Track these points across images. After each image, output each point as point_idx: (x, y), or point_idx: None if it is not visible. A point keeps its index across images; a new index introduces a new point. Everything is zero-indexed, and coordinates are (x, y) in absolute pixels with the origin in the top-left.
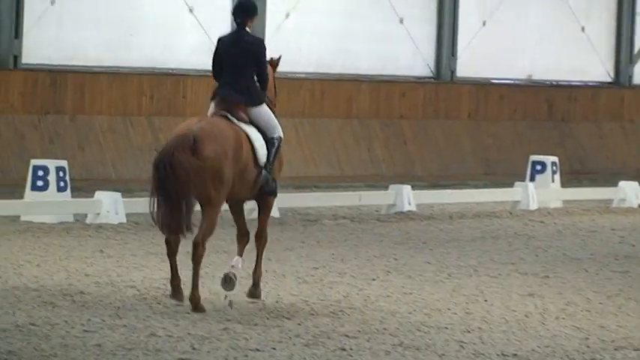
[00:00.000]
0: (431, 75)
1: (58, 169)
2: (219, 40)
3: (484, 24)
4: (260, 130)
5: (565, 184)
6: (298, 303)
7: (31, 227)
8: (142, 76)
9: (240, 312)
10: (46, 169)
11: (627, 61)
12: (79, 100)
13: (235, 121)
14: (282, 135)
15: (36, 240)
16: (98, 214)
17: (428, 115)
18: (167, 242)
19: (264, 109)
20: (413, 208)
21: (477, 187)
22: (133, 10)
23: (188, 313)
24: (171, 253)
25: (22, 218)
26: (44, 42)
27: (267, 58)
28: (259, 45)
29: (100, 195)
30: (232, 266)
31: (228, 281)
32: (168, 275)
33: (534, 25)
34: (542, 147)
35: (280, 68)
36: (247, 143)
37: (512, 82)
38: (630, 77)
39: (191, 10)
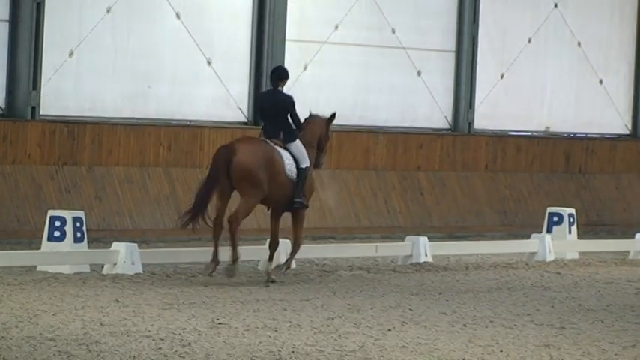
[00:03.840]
0: (448, 127)
1: (75, 219)
2: (259, 95)
3: (502, 76)
4: (294, 159)
5: (582, 235)
6: (314, 353)
7: (48, 277)
8: (160, 128)
9: None
10: (63, 220)
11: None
12: (97, 151)
13: (271, 144)
14: (309, 165)
15: (52, 290)
16: (115, 264)
17: (445, 166)
18: (214, 222)
19: (296, 143)
20: (429, 259)
21: (493, 238)
22: (151, 62)
23: None
24: (216, 235)
25: (39, 268)
26: (62, 93)
27: (323, 113)
28: (289, 100)
29: (116, 245)
30: (267, 271)
31: (269, 278)
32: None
33: (552, 77)
34: (559, 199)
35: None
36: (278, 157)
37: (529, 134)
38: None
39: (209, 62)
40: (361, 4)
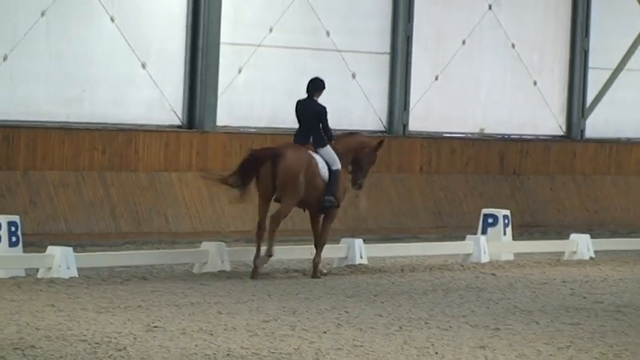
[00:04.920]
0: (383, 129)
1: (10, 224)
2: (297, 102)
3: (436, 78)
4: (324, 159)
5: (517, 236)
6: (249, 356)
7: None
8: (94, 132)
9: None
10: None
11: (579, 115)
12: (31, 155)
13: (305, 149)
14: (339, 168)
15: None
16: (50, 268)
17: (380, 168)
18: (258, 224)
19: (327, 148)
20: (364, 261)
21: (428, 240)
22: (86, 66)
23: None
24: (259, 235)
25: None
26: None
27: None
28: (322, 110)
29: (51, 250)
30: (318, 265)
31: (320, 273)
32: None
33: (486, 78)
34: (494, 200)
35: (232, 122)
36: (314, 161)
37: (464, 135)
38: (582, 131)
39: (144, 66)
40: (295, 6)
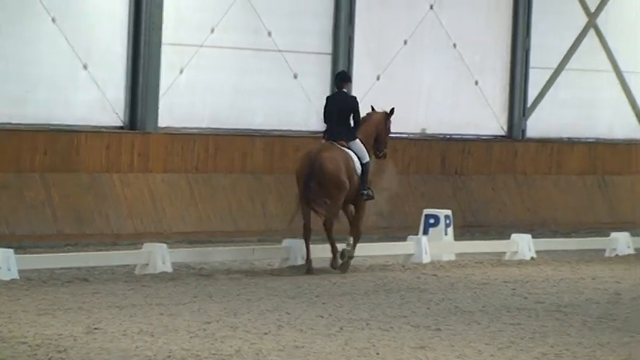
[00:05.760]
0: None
1: None
2: (327, 98)
3: (378, 78)
4: (356, 154)
5: (458, 237)
6: (190, 357)
7: None
8: (36, 133)
9: None
10: None
11: (520, 115)
12: None
13: (339, 147)
14: (369, 159)
15: None
16: None
17: None
18: (304, 226)
19: (357, 142)
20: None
21: (370, 240)
22: (28, 67)
23: None
24: (307, 236)
25: None
26: None
27: (380, 109)
28: (353, 100)
29: None
30: (348, 243)
31: (342, 256)
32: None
33: (428, 79)
34: (435, 200)
35: (174, 124)
36: (351, 160)
37: (405, 135)
38: (523, 131)
39: (85, 67)
40: (237, 6)
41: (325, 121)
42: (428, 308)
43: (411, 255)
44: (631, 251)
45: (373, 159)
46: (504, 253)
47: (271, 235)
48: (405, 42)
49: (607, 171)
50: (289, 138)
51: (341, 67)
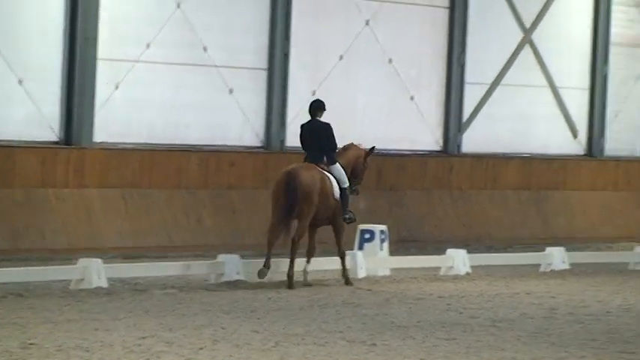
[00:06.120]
0: (260, 145)
1: None
2: (302, 126)
3: (314, 93)
4: (335, 178)
5: (393, 252)
6: None
7: None
8: None
9: None
10: None
11: (456, 130)
12: None
13: (319, 169)
14: (348, 184)
15: None
16: None
17: (257, 184)
18: (269, 240)
19: (337, 166)
20: (241, 276)
21: (305, 255)
22: None
23: None
24: (269, 249)
25: None
26: None
27: (364, 145)
28: (327, 127)
29: None
30: (306, 271)
31: (305, 276)
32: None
33: (364, 94)
34: (371, 216)
35: (110, 139)
36: (329, 182)
37: None
38: (459, 146)
39: (20, 82)
40: (173, 22)
41: (304, 149)
42: (363, 323)
43: (347, 270)
44: (566, 266)
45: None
46: (439, 268)
47: (206, 251)
48: (341, 57)
49: (542, 186)
50: (224, 153)
51: (277, 82)
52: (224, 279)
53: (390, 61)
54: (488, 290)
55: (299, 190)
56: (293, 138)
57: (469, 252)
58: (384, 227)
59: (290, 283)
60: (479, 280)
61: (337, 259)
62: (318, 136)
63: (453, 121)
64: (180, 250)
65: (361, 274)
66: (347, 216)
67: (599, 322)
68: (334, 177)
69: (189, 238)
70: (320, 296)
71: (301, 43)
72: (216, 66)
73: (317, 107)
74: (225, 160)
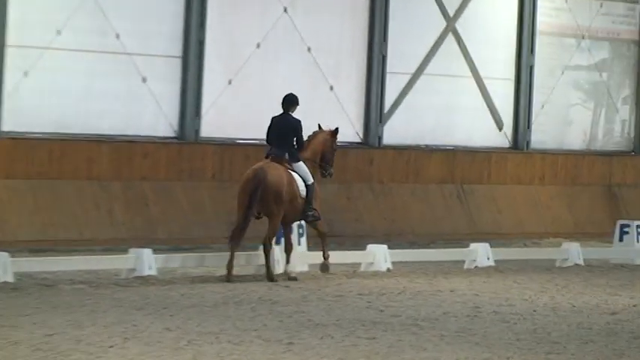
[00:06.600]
0: (174, 135)
1: None
2: (272, 118)
3: (230, 82)
4: (300, 176)
5: (312, 247)
6: None
7: None
8: None
9: None
10: None
11: (377, 121)
12: None
13: (284, 167)
14: (313, 181)
15: None
16: None
17: (171, 176)
18: (232, 235)
19: (300, 164)
20: (153, 272)
21: (220, 250)
22: None
23: None
24: (233, 246)
25: None
26: None
27: (326, 128)
28: (297, 123)
29: None
30: (289, 271)
31: (290, 276)
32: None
33: (281, 83)
34: None
35: (18, 128)
36: (294, 181)
37: (258, 142)
38: (380, 138)
39: None
40: (85, 8)
41: (267, 142)
42: (280, 321)
43: (262, 266)
44: (491, 263)
45: (318, 178)
46: (359, 264)
47: (117, 244)
48: (258, 45)
49: (466, 180)
50: (137, 143)
51: (192, 71)
52: (136, 274)
53: (309, 49)
54: (410, 287)
55: (269, 191)
56: (208, 128)
57: (390, 247)
58: (301, 221)
59: (270, 276)
60: (400, 277)
61: (252, 253)
62: (286, 132)
63: (374, 112)
64: (91, 243)
65: (278, 269)
66: (310, 213)
67: (525, 321)
68: (299, 175)
69: (100, 231)
70: (235, 292)
71: (217, 31)
72: (128, 53)
73: (290, 102)
74: (138, 151)
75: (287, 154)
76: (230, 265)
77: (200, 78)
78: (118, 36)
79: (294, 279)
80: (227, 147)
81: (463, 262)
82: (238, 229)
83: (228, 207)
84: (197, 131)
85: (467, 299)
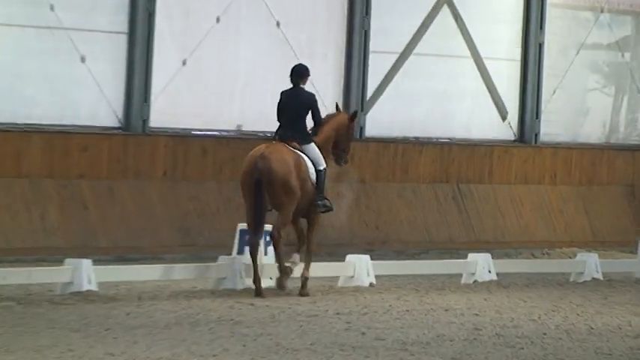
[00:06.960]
0: (119, 125)
1: None
2: (282, 93)
3: (184, 63)
4: (310, 159)
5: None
6: None
7: None
8: None
9: None
10: None
11: (358, 109)
12: None
13: (291, 148)
14: (325, 166)
15: None
16: None
17: (114, 174)
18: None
19: (312, 146)
20: (94, 287)
21: (173, 261)
22: None
23: None
24: (254, 252)
25: None
26: None
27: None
28: (311, 97)
29: None
30: (292, 261)
31: (287, 271)
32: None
33: (245, 64)
34: None
35: None
36: (303, 162)
37: (217, 133)
38: (361, 128)
39: None
40: None
41: (278, 119)
42: (243, 345)
43: (223, 279)
44: (493, 277)
45: (332, 165)
46: (337, 277)
47: (51, 254)
48: (218, 19)
49: (463, 178)
50: (74, 134)
51: (139, 49)
52: (73, 289)
53: (278, 24)
54: (397, 305)
55: (275, 182)
56: (158, 117)
57: (373, 258)
58: (269, 227)
59: (281, 284)
60: (386, 293)
61: (210, 264)
62: (298, 108)
63: (355, 97)
64: (20, 253)
65: (241, 284)
66: (321, 202)
67: (534, 346)
68: (309, 158)
69: (31, 238)
70: (190, 312)
71: (169, 2)
72: (65, 28)
73: (300, 73)
74: (76, 144)
75: (297, 135)
76: (256, 277)
77: (149, 57)
78: (52, 7)
79: (290, 269)
80: (181, 139)
81: (460, 275)
82: (254, 232)
83: (182, 210)
84: (145, 121)
85: (464, 320)
